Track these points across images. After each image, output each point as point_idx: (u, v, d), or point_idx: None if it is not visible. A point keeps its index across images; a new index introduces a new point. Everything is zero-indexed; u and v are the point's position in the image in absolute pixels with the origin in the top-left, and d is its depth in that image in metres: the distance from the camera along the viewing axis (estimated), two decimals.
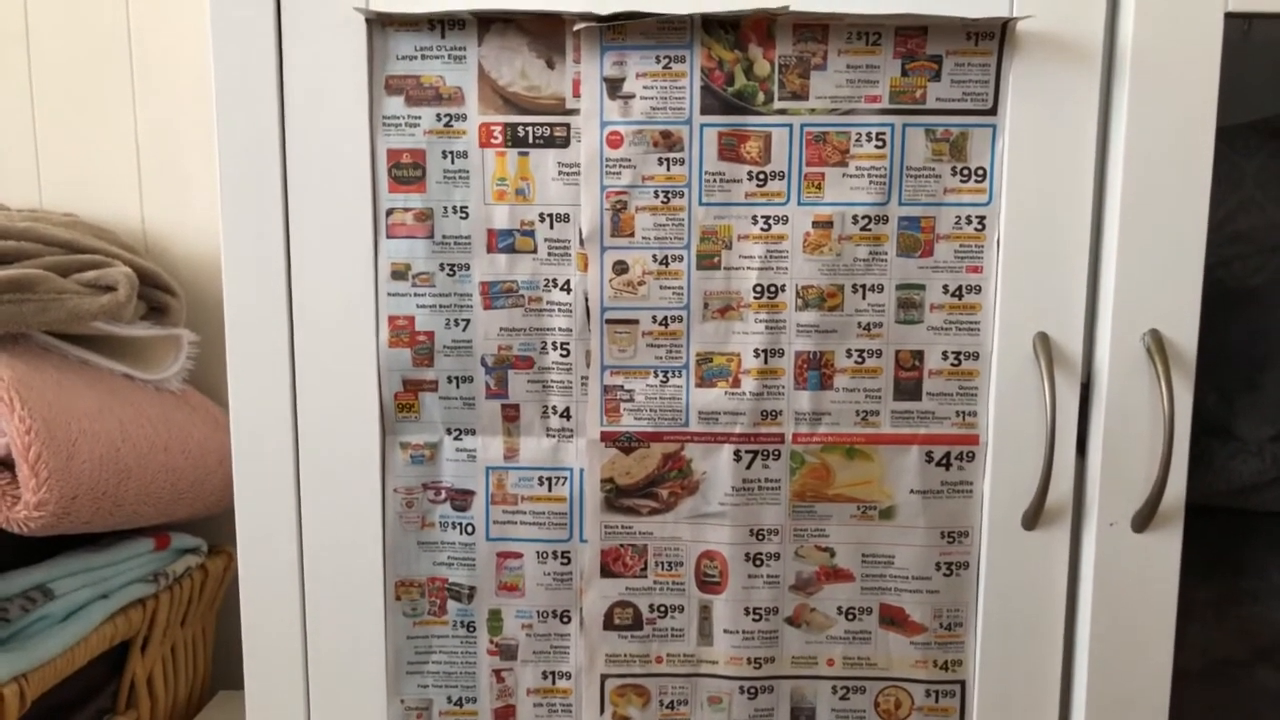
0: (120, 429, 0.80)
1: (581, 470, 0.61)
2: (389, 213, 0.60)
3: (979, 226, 0.59)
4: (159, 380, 0.90)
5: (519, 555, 0.62)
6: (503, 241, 0.60)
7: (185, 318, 0.95)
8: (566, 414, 0.61)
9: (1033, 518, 0.60)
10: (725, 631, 0.62)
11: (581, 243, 0.59)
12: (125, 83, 1.01)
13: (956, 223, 0.59)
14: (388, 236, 0.60)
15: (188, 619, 0.92)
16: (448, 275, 0.60)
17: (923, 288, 0.60)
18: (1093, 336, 0.59)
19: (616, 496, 0.61)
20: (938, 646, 0.62)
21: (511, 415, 0.61)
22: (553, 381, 0.61)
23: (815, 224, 0.59)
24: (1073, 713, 0.62)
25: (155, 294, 0.93)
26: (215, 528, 0.96)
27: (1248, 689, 0.63)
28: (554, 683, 0.63)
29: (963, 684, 0.63)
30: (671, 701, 0.63)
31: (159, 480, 0.84)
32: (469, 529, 0.62)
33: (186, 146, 1.01)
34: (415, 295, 0.60)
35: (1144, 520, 0.58)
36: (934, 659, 0.62)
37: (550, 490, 0.62)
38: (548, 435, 0.61)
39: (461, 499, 0.62)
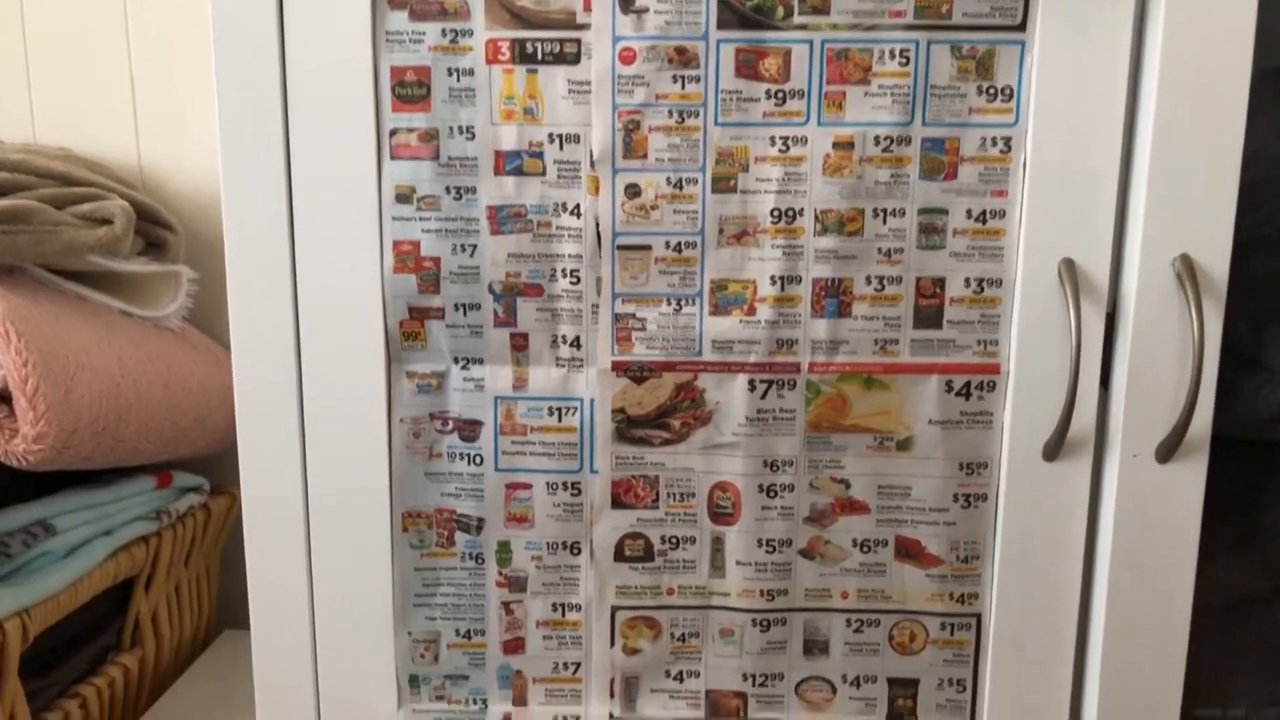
0: (119, 364, 0.79)
1: (592, 400, 0.60)
2: (393, 133, 0.58)
3: (1005, 148, 0.57)
4: (158, 317, 0.89)
5: (528, 486, 0.61)
6: (510, 163, 0.58)
7: (184, 255, 0.93)
8: (576, 343, 0.60)
9: (1054, 449, 0.58)
10: (738, 563, 0.61)
11: (592, 165, 0.57)
12: (119, 15, 0.98)
13: (982, 144, 0.57)
14: (391, 158, 0.58)
15: (191, 558, 0.91)
16: (454, 199, 0.58)
17: (945, 212, 0.58)
18: (1120, 263, 0.57)
19: (628, 427, 0.60)
20: (954, 579, 0.61)
21: (520, 344, 0.60)
22: (562, 309, 0.59)
23: (835, 145, 0.57)
24: (1089, 646, 0.61)
25: (153, 229, 0.91)
26: (218, 469, 0.95)
27: (1269, 626, 0.62)
28: (564, 615, 0.63)
29: (978, 617, 0.62)
30: (683, 634, 0.63)
31: (160, 416, 0.83)
32: (477, 460, 0.61)
33: (183, 81, 0.99)
34: (420, 220, 0.58)
35: (1168, 451, 0.57)
36: (950, 592, 0.62)
37: (560, 421, 0.60)
38: (557, 365, 0.60)
39: (469, 429, 0.61)
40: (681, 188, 0.57)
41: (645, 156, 0.57)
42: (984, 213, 0.57)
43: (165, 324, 0.90)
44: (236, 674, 0.86)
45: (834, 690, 0.63)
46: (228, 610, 0.99)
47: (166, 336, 0.88)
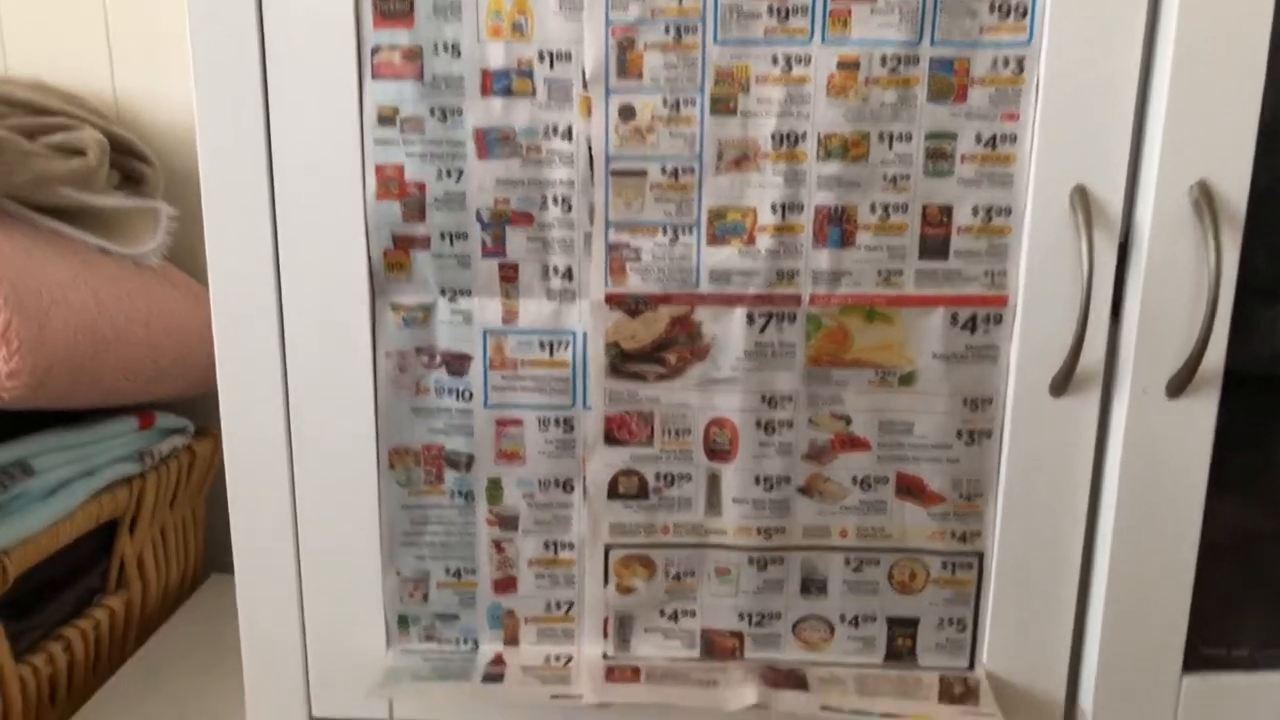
0: (96, 300, 0.76)
1: (585, 334, 0.58)
2: (374, 51, 0.55)
3: (1017, 69, 0.54)
4: (137, 254, 0.86)
5: (519, 422, 0.59)
6: (498, 83, 0.55)
7: (163, 190, 0.90)
8: (568, 274, 0.57)
9: (1062, 383, 0.57)
10: (734, 501, 0.60)
11: (585, 85, 0.55)
12: None
13: (993, 65, 0.54)
14: (373, 77, 0.55)
15: (176, 501, 0.90)
16: (439, 121, 0.55)
17: (954, 137, 0.55)
18: (1134, 190, 0.55)
19: (622, 361, 0.58)
20: (956, 517, 0.60)
21: (510, 275, 0.57)
22: (553, 239, 0.57)
23: (840, 65, 0.54)
24: (1093, 585, 0.60)
25: (129, 162, 0.88)
26: (203, 410, 0.93)
27: (1276, 564, 0.61)
28: (556, 553, 0.61)
29: (981, 556, 0.61)
30: (678, 573, 0.61)
31: (140, 355, 0.81)
32: (466, 395, 0.59)
33: (160, 10, 0.95)
34: (404, 143, 0.56)
35: (1180, 385, 0.55)
36: (951, 530, 0.60)
37: (551, 355, 0.58)
38: (549, 297, 0.58)
39: (457, 364, 0.59)
40: (678, 109, 0.55)
41: (640, 76, 0.54)
42: (994, 137, 0.55)
43: (145, 261, 0.87)
44: (224, 617, 0.85)
45: (832, 630, 0.62)
46: (215, 554, 0.97)
47: (146, 274, 0.86)
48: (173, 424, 0.89)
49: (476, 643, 0.63)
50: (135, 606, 0.85)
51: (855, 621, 0.62)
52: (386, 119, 0.55)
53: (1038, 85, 0.54)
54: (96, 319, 0.75)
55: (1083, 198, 0.54)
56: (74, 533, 0.75)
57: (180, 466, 0.88)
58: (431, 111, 0.55)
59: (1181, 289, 0.55)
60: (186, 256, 0.92)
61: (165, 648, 0.85)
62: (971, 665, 0.62)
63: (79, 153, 0.79)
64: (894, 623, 0.62)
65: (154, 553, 0.88)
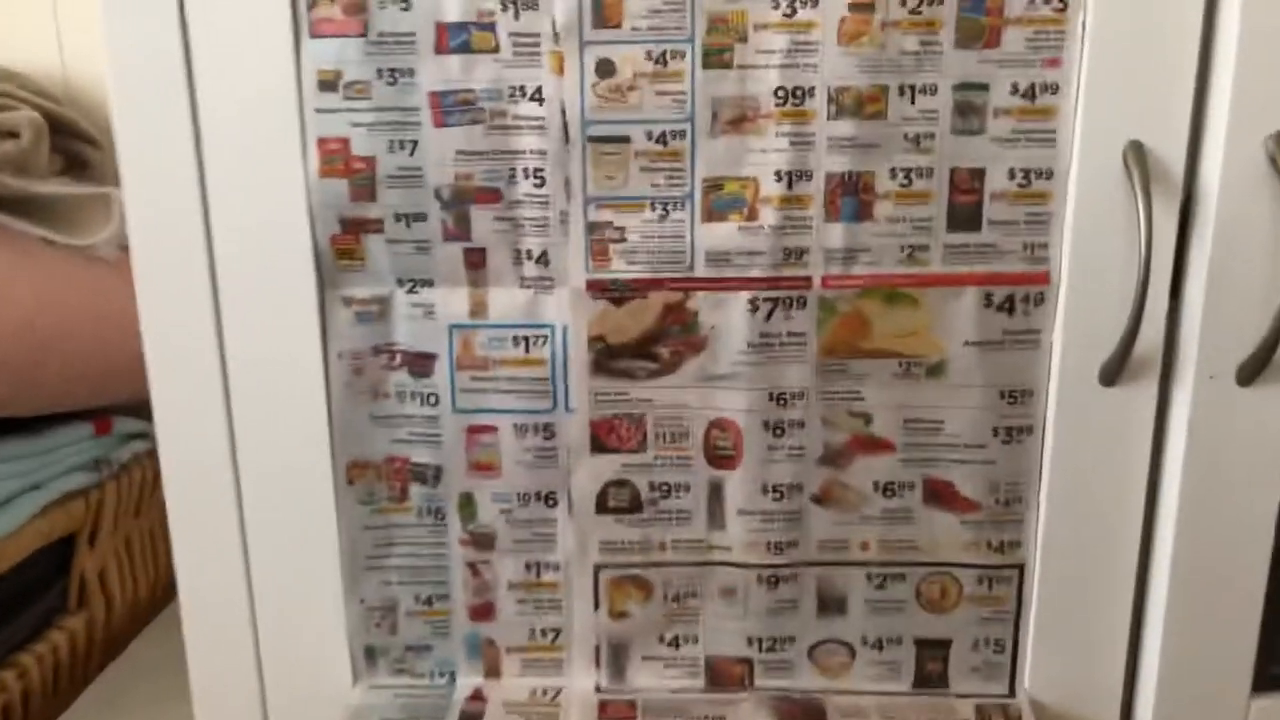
0: (35, 297, 0.71)
1: (565, 327, 0.52)
2: (312, 5, 0.48)
3: (1059, 5, 0.47)
4: (88, 246, 0.81)
5: (493, 429, 0.54)
6: (455, 38, 0.48)
7: (116, 176, 0.84)
8: (544, 259, 0.51)
9: (1114, 371, 0.50)
10: (740, 513, 0.54)
11: (556, 38, 0.48)
12: None
13: (1031, 2, 0.47)
14: (311, 36, 0.49)
15: (142, 510, 0.85)
16: (388, 84, 0.49)
17: (986, 88, 0.49)
18: (1198, 146, 0.48)
19: (608, 358, 0.53)
20: (992, 526, 0.54)
21: (476, 261, 0.52)
22: (525, 219, 0.51)
23: (853, 7, 0.47)
24: (1150, 597, 0.54)
25: (74, 145, 0.82)
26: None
27: None
28: (539, 575, 0.56)
29: (1020, 568, 0.55)
30: (678, 594, 0.56)
31: (89, 354, 0.75)
32: (432, 399, 0.53)
33: None
34: (349, 110, 0.50)
35: (1252, 371, 0.49)
36: (987, 540, 0.54)
37: (527, 352, 0.53)
38: (522, 285, 0.52)
39: (421, 364, 0.53)
40: (665, 63, 0.48)
41: (620, 25, 0.48)
42: (1033, 87, 0.49)
43: (97, 253, 0.82)
44: None
45: (852, 654, 0.57)
46: None
47: (98, 267, 0.81)
48: (133, 428, 0.84)
49: (453, 676, 0.58)
50: (98, 626, 0.81)
51: (879, 644, 0.57)
52: (328, 84, 0.49)
53: (1084, 24, 0.47)
54: (35, 318, 0.70)
55: (1139, 156, 0.47)
56: (22, 551, 0.70)
57: (144, 474, 0.84)
58: (379, 73, 0.49)
59: (1255, 260, 0.48)
60: None
61: (133, 667, 0.80)
62: (1011, 691, 0.56)
63: (12, 135, 0.73)
64: (923, 645, 0.56)
65: (118, 566, 0.83)
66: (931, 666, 0.56)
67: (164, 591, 0.91)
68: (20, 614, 0.73)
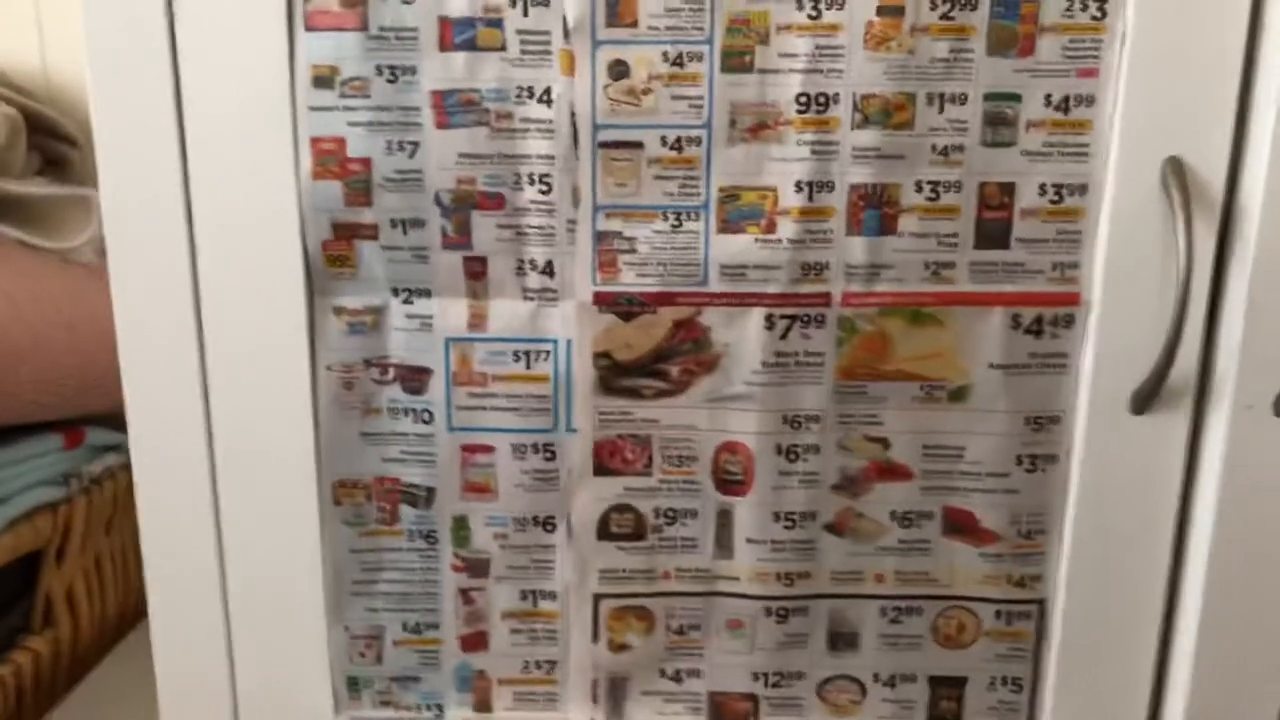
0: (8, 302, 0.69)
1: (569, 342, 0.50)
2: None
3: (1097, 14, 0.46)
4: (66, 249, 0.79)
5: (490, 449, 0.52)
6: (460, 34, 0.46)
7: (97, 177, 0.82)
8: (548, 269, 0.50)
9: (1146, 398, 0.48)
10: (749, 541, 0.53)
11: (566, 36, 0.46)
12: None
13: (1067, 8, 0.46)
14: (307, 29, 0.47)
15: (113, 526, 0.82)
16: (388, 82, 0.47)
17: (1018, 98, 0.47)
18: (1239, 163, 0.46)
19: (614, 375, 0.51)
20: (1013, 559, 0.52)
21: (477, 271, 0.50)
22: (530, 227, 0.49)
23: (881, 10, 0.46)
24: (1177, 636, 0.52)
25: (52, 145, 0.80)
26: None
27: None
28: (535, 604, 0.54)
29: (1042, 603, 0.53)
30: (681, 626, 0.54)
31: (63, 364, 0.73)
32: (425, 416, 0.51)
33: None
34: (345, 109, 0.48)
35: None
36: (1008, 574, 0.53)
37: (529, 367, 0.51)
38: (525, 297, 0.50)
39: (415, 379, 0.51)
40: (682, 65, 0.47)
41: (635, 24, 0.46)
42: (1067, 99, 0.47)
43: (76, 257, 0.80)
44: None
45: (864, 691, 0.55)
46: None
47: (76, 272, 0.79)
48: (106, 440, 0.81)
49: (441, 709, 0.56)
50: (65, 647, 0.78)
51: (892, 681, 0.55)
52: (323, 80, 0.47)
53: (1124, 33, 0.46)
54: (7, 325, 0.68)
55: (1178, 172, 0.46)
56: None
57: (117, 488, 0.81)
58: (379, 70, 0.47)
59: None
60: None
61: (101, 689, 0.77)
62: None
63: None
64: (937, 682, 0.55)
65: (86, 585, 0.80)
66: (946, 705, 0.55)
67: (134, 611, 0.88)
68: None
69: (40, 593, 0.75)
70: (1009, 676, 0.54)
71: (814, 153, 0.47)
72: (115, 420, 0.81)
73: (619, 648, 0.54)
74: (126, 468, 0.80)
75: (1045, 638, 0.53)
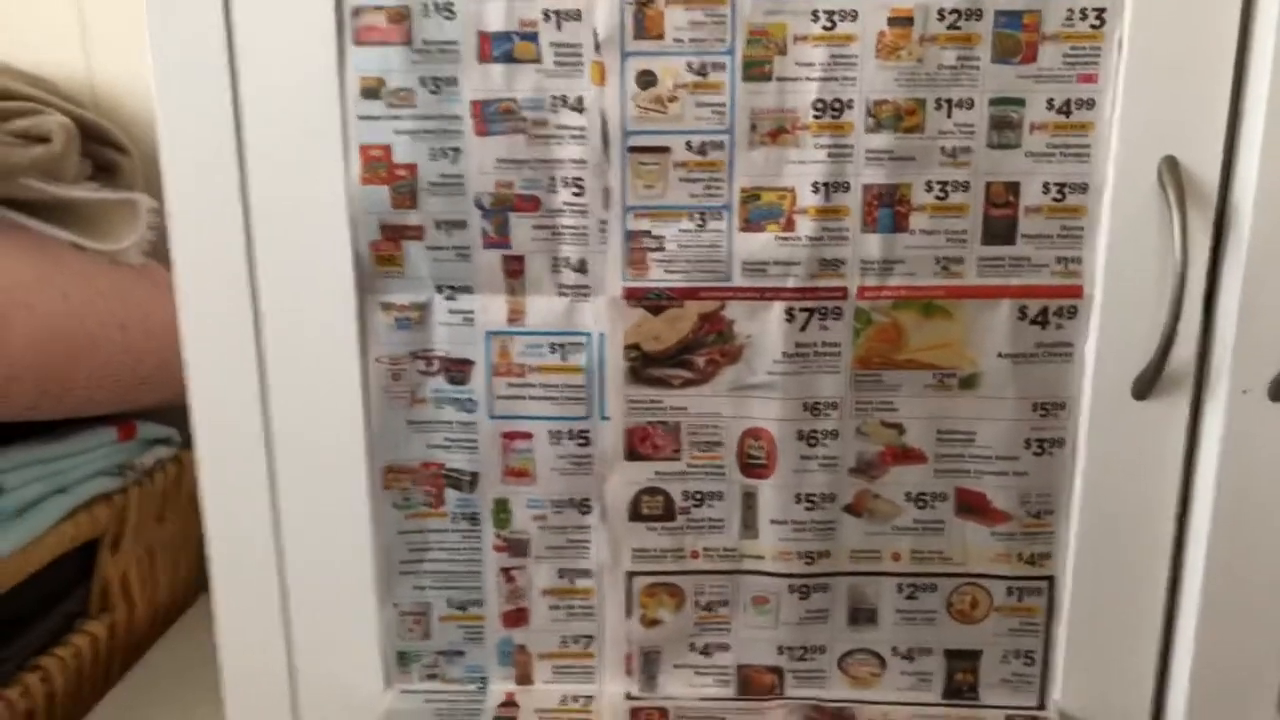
0: (65, 303, 0.70)
1: (601, 335, 0.52)
2: (356, 13, 0.49)
3: (1096, 22, 0.47)
4: (115, 251, 0.80)
5: (528, 436, 0.53)
6: (499, 48, 0.49)
7: (143, 182, 0.84)
8: (582, 266, 0.51)
9: (1147, 384, 0.50)
10: (773, 522, 0.54)
11: (597, 48, 0.48)
12: None
13: (1068, 18, 0.47)
14: (355, 43, 0.49)
15: (165, 516, 0.84)
16: (431, 92, 0.49)
17: (1022, 103, 0.49)
18: (1232, 161, 0.48)
19: (643, 366, 0.52)
20: (1023, 538, 0.54)
21: (515, 269, 0.51)
22: (564, 227, 0.51)
23: (892, 21, 0.48)
24: (1181, 611, 0.53)
25: (102, 151, 0.82)
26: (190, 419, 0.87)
27: None
28: (572, 582, 0.56)
29: (1051, 580, 0.54)
30: (709, 602, 0.56)
31: (116, 361, 0.75)
32: (469, 405, 0.53)
33: None
34: (392, 119, 0.50)
35: None
36: (1018, 552, 0.54)
37: (564, 359, 0.52)
38: (559, 293, 0.52)
39: (458, 370, 0.53)
40: (706, 75, 0.48)
41: (661, 37, 0.48)
42: (1068, 103, 0.49)
43: (124, 259, 0.81)
44: None
45: (883, 664, 0.56)
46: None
47: (125, 273, 0.80)
48: (157, 434, 0.83)
49: (485, 682, 0.57)
50: (120, 631, 0.80)
51: (909, 655, 0.56)
52: (371, 91, 0.49)
53: (1121, 41, 0.47)
54: (66, 323, 0.70)
55: (1173, 171, 0.47)
56: (48, 555, 0.69)
57: (167, 479, 0.83)
58: (422, 82, 0.49)
59: None
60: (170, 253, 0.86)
61: (154, 672, 0.79)
62: (1041, 704, 0.56)
63: (43, 140, 0.73)
64: (953, 656, 0.56)
65: (140, 571, 0.82)
66: (961, 678, 0.56)
67: (185, 596, 0.90)
68: (42, 619, 0.73)
69: (97, 579, 0.77)
70: (1021, 650, 0.55)
71: (830, 155, 0.49)
72: (164, 414, 0.84)
73: (651, 623, 0.56)
74: (176, 460, 0.84)
75: (1055, 612, 0.54)
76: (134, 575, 0.81)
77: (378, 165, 0.50)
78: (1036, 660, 0.55)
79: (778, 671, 0.56)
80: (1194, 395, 0.51)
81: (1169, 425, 0.51)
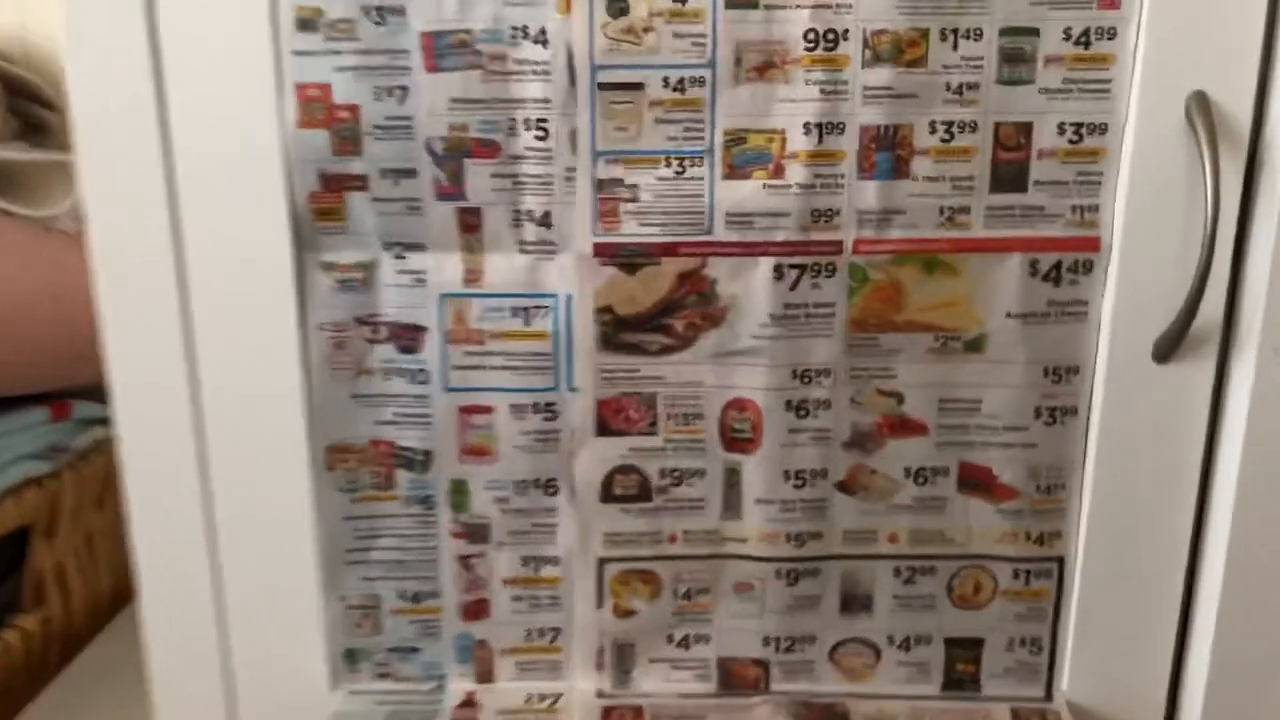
0: None
1: (569, 296, 0.49)
2: None
3: None
4: (46, 217, 0.77)
5: (488, 410, 0.50)
6: None
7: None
8: (546, 220, 0.48)
9: (1170, 346, 0.47)
10: (758, 501, 0.51)
11: None
12: None
13: None
14: None
15: (105, 501, 0.81)
16: (375, 24, 0.45)
17: (1036, 33, 0.45)
18: (1265, 98, 0.45)
19: (616, 331, 0.49)
20: (1032, 515, 0.51)
21: (472, 223, 0.48)
22: (526, 175, 0.47)
23: None
24: (1200, 593, 0.50)
25: (30, 108, 0.78)
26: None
27: None
28: (537, 570, 0.53)
29: (1061, 561, 0.52)
30: (688, 590, 0.53)
31: (48, 334, 0.72)
32: (421, 377, 0.50)
33: None
34: (331, 54, 0.46)
35: None
36: (1026, 531, 0.51)
37: (527, 324, 0.49)
38: (522, 250, 0.48)
39: (409, 337, 0.50)
40: (684, 2, 0.45)
41: None
42: (1087, 32, 0.45)
43: (57, 225, 0.78)
44: None
45: (878, 654, 0.54)
46: None
47: (58, 240, 0.78)
48: (94, 413, 0.80)
49: (442, 680, 0.55)
50: (56, 624, 0.77)
51: (906, 644, 0.54)
52: (308, 23, 0.45)
53: None
54: None
55: (1203, 107, 0.44)
56: None
57: (106, 462, 0.79)
58: (365, 11, 0.45)
59: None
60: None
61: (93, 668, 0.76)
62: (1048, 695, 0.53)
63: None
64: (953, 644, 0.53)
65: (78, 562, 0.79)
66: (962, 668, 0.54)
67: (129, 588, 0.86)
68: None
69: (29, 570, 0.74)
70: (1027, 637, 0.53)
71: (823, 92, 0.45)
72: (103, 393, 0.80)
73: (624, 613, 0.53)
74: (116, 441, 0.80)
75: (1065, 597, 0.52)
76: (71, 565, 0.78)
77: (315, 107, 0.46)
78: (1044, 648, 0.53)
79: (763, 664, 0.54)
80: (1219, 357, 0.48)
81: (1192, 390, 0.48)
